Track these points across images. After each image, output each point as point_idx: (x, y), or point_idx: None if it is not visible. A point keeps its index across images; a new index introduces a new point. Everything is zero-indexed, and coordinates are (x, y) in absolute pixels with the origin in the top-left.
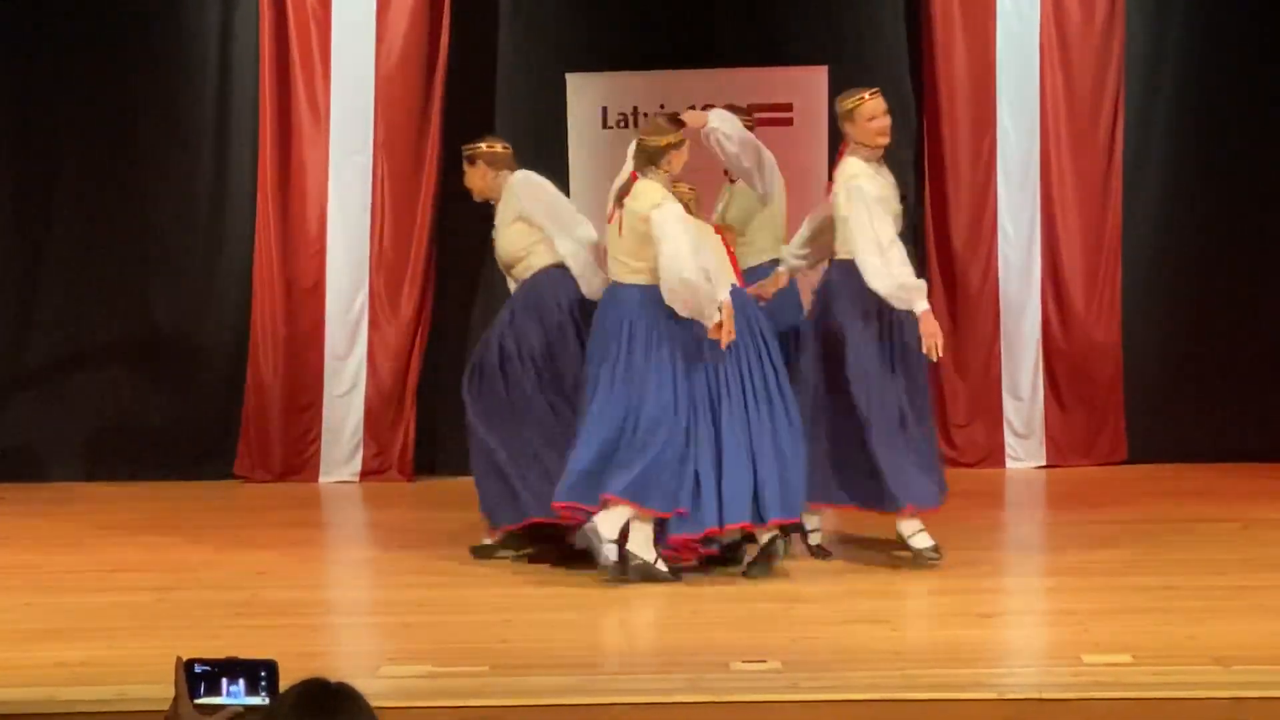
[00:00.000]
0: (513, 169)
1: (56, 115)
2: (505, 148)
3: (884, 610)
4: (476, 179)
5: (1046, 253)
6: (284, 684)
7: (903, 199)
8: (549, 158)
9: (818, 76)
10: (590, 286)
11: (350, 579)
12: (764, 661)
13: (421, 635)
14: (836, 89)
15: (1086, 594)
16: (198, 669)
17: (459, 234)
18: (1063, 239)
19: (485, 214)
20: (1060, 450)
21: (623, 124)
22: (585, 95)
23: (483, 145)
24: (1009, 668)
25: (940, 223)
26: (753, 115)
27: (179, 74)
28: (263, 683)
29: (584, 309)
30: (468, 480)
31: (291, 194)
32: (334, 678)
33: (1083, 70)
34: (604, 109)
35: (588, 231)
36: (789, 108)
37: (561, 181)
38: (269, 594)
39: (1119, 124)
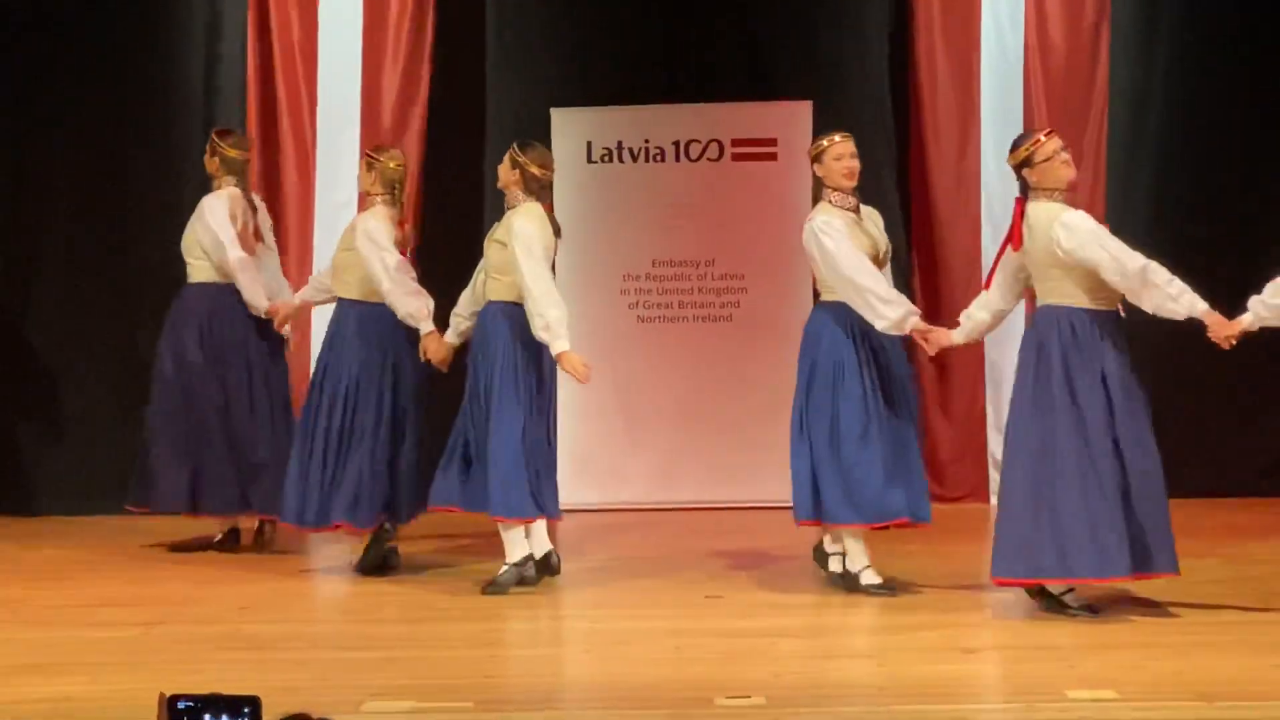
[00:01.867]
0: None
1: (50, 152)
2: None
3: (868, 645)
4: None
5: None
6: (267, 719)
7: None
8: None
9: (802, 111)
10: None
11: (333, 613)
12: (748, 697)
13: (405, 670)
14: (821, 124)
15: (1070, 629)
16: (180, 705)
17: (441, 267)
18: None
19: (464, 248)
20: None
21: (607, 159)
22: (570, 130)
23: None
24: (993, 703)
25: (925, 255)
26: None
27: (166, 114)
28: (246, 718)
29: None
30: (449, 514)
31: (277, 231)
32: (317, 713)
33: (1068, 103)
34: (589, 144)
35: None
36: (773, 143)
37: None
38: (252, 628)
39: (1102, 156)
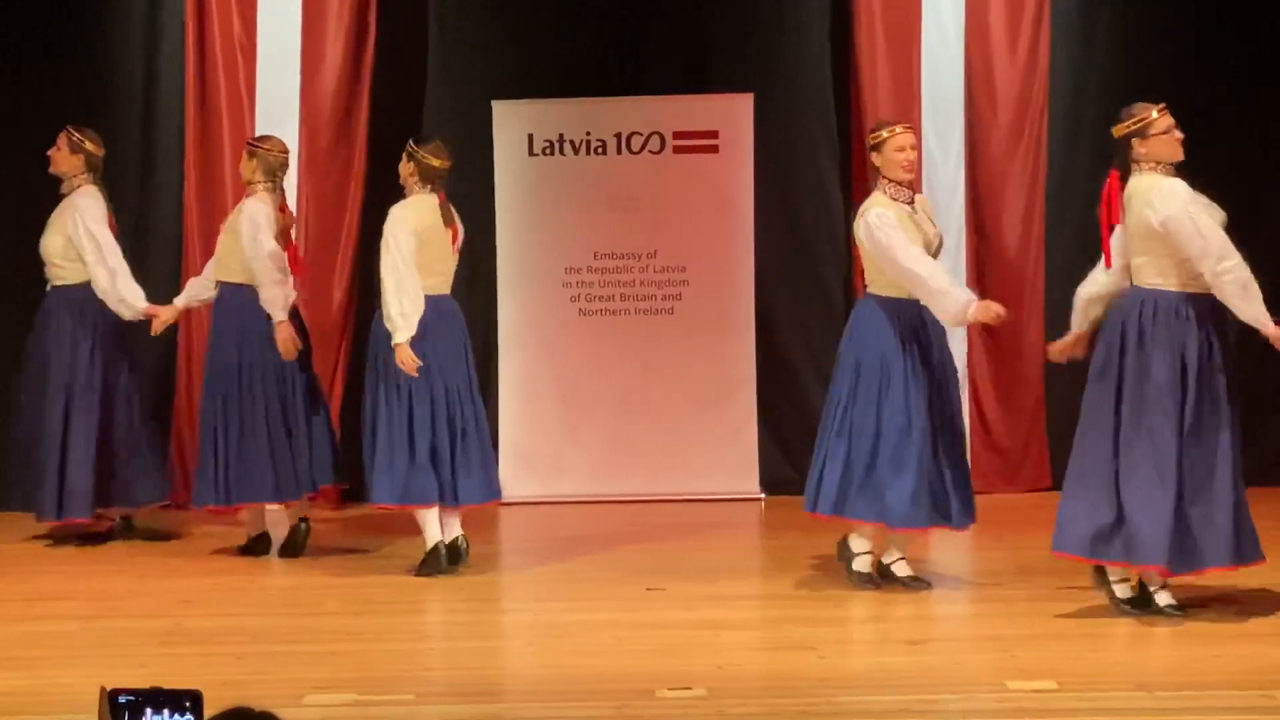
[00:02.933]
0: None
1: None
2: None
3: (810, 637)
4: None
5: (972, 280)
6: (208, 714)
7: (931, 232)
8: (475, 184)
9: (743, 103)
10: None
11: (274, 607)
12: (689, 689)
13: (346, 664)
14: (762, 116)
15: (1012, 620)
16: (122, 699)
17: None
18: (989, 263)
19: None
20: (985, 478)
21: (549, 151)
22: (511, 123)
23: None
24: (935, 694)
25: None
26: None
27: (103, 108)
28: (188, 712)
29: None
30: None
31: (217, 224)
32: (259, 707)
33: (1007, 96)
34: (530, 136)
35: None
36: (714, 135)
37: (488, 208)
38: (193, 623)
39: (1043, 149)
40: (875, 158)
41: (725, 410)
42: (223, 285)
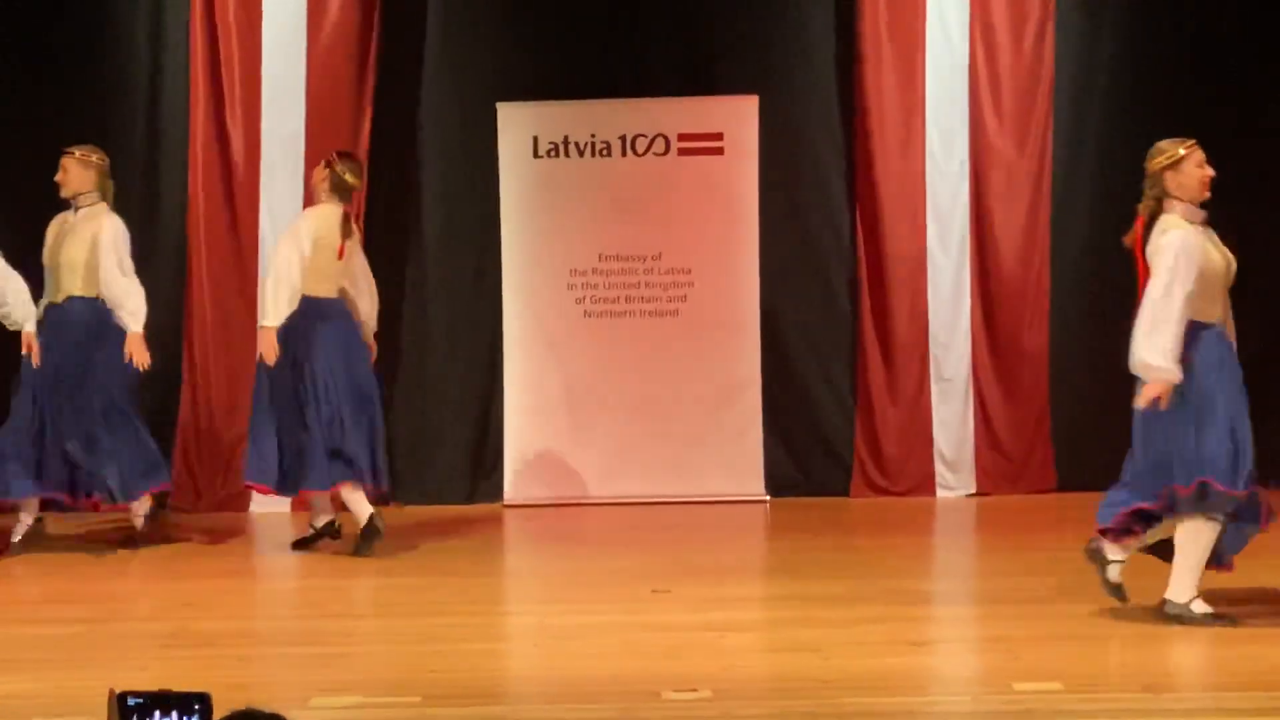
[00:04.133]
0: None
1: None
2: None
3: (815, 639)
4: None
5: (976, 281)
6: (216, 716)
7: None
8: (480, 187)
9: (748, 105)
10: None
11: (280, 610)
12: (695, 691)
13: (351, 666)
14: (767, 118)
15: (1017, 621)
16: (130, 701)
17: (385, 261)
18: (992, 267)
19: (409, 242)
20: (990, 479)
21: (554, 153)
22: (516, 125)
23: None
24: (940, 696)
25: (871, 250)
26: None
27: (107, 113)
28: (196, 715)
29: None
30: (396, 509)
31: (223, 228)
32: (266, 709)
33: (1012, 96)
34: (535, 138)
35: None
36: (719, 137)
37: (493, 210)
38: (198, 625)
39: (1048, 150)
40: (1170, 176)
41: (730, 412)
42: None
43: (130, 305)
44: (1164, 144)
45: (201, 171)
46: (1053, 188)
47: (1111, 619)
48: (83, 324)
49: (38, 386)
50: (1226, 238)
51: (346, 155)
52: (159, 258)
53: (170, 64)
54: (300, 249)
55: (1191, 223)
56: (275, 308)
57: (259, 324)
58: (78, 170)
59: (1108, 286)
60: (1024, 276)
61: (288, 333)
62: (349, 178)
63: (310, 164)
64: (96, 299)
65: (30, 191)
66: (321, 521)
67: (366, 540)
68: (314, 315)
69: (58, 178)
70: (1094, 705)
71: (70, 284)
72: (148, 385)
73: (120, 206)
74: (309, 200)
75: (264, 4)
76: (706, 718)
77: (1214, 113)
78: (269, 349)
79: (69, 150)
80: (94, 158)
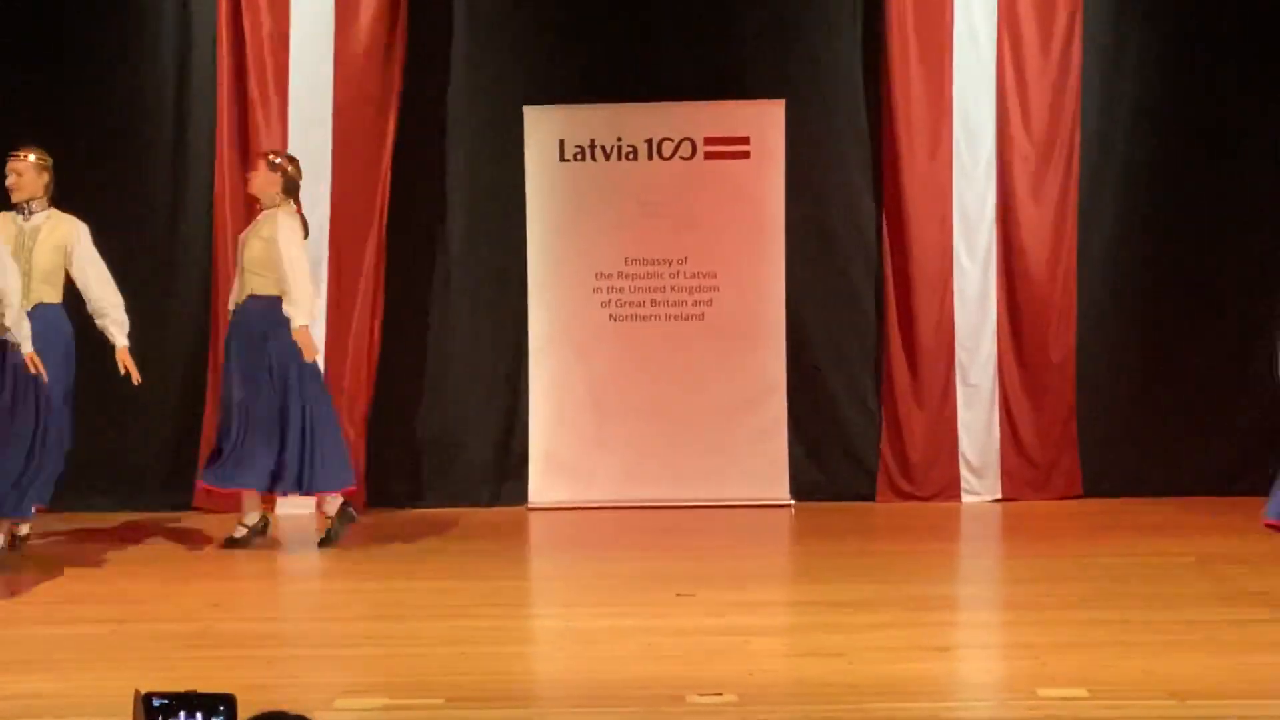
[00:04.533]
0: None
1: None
2: None
3: (839, 644)
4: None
5: (1003, 286)
6: (241, 718)
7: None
8: (506, 191)
9: (775, 110)
10: None
11: (305, 611)
12: (719, 695)
13: (376, 668)
14: (793, 122)
15: (1042, 628)
16: (156, 703)
17: (411, 264)
18: (1019, 272)
19: (434, 245)
20: (1015, 484)
21: (580, 157)
22: (542, 128)
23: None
24: (964, 701)
25: (897, 256)
26: None
27: (135, 115)
28: (221, 716)
29: None
30: (422, 512)
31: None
32: (291, 711)
33: (1040, 100)
34: (561, 142)
35: None
36: (745, 141)
37: (519, 213)
38: (223, 626)
39: (1075, 154)
40: None
41: (755, 416)
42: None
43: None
44: None
45: (228, 177)
46: (1080, 193)
47: (1137, 626)
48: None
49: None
50: (1248, 244)
51: (289, 155)
52: (185, 263)
53: (197, 72)
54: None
55: None
56: (313, 307)
57: (297, 324)
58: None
59: (1134, 292)
60: (1050, 282)
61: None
62: (295, 172)
63: (338, 170)
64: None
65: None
66: (254, 519)
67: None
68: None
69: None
70: (1119, 712)
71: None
72: (175, 388)
73: (146, 212)
74: (334, 203)
75: (292, 13)
76: None
77: (1243, 127)
78: (311, 348)
79: None
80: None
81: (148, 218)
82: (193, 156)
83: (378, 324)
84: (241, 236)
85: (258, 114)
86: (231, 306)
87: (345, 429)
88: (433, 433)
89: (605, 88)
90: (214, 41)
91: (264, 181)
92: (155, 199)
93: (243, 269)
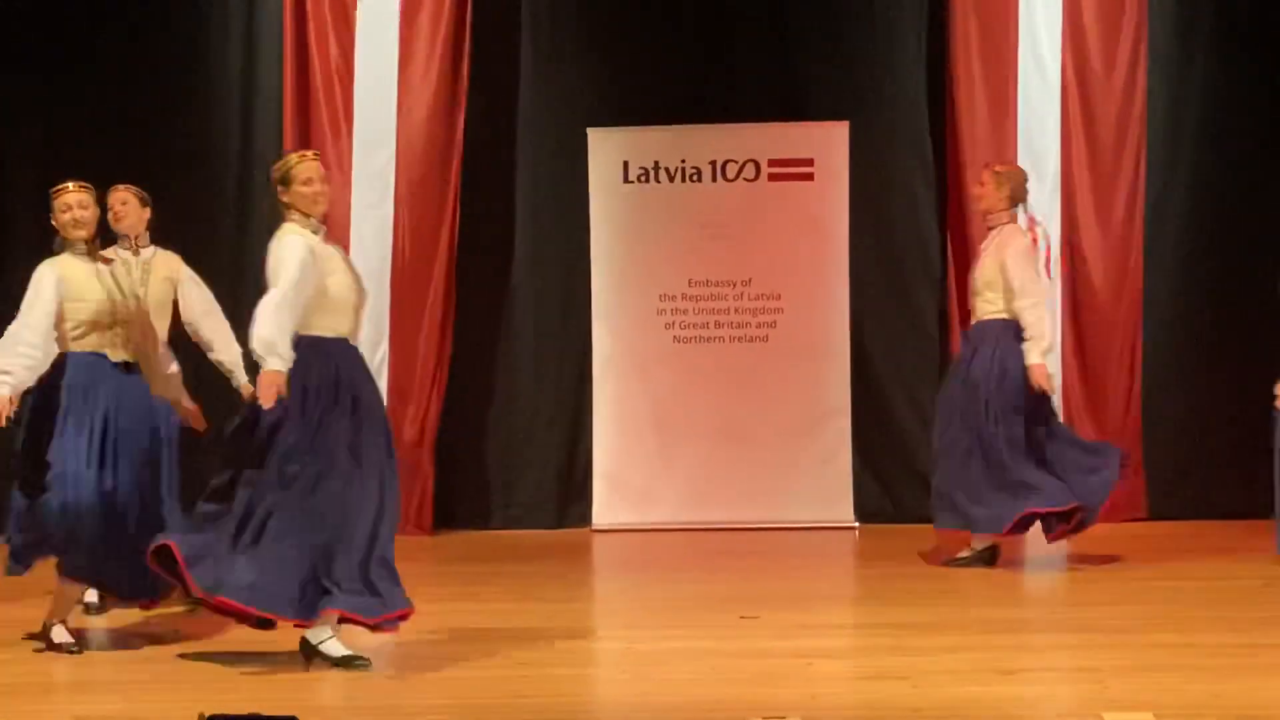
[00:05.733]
0: None
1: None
2: None
3: (903, 666)
4: None
5: (1067, 308)
6: None
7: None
8: (570, 212)
9: (839, 131)
10: None
11: (364, 634)
12: (784, 718)
13: (440, 690)
14: (857, 144)
15: (1107, 651)
16: None
17: (476, 286)
18: (1084, 294)
19: (499, 267)
20: None
21: (644, 179)
22: (606, 150)
23: None
24: None
25: (963, 275)
26: None
27: (202, 127)
28: None
29: None
30: (487, 533)
31: None
32: None
33: (1105, 122)
34: (625, 164)
35: None
36: (810, 163)
37: (583, 235)
38: (288, 647)
39: (1141, 174)
40: None
41: (819, 438)
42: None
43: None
44: None
45: None
46: (1145, 215)
47: (1203, 650)
48: None
49: None
50: None
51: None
52: (251, 282)
53: (263, 98)
54: None
55: None
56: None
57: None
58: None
59: (1201, 311)
60: (1115, 302)
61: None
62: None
63: (400, 193)
64: None
65: None
66: None
67: None
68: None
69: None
70: None
71: None
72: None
73: (211, 235)
74: (399, 225)
75: (357, 29)
76: None
77: None
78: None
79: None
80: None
81: (214, 247)
82: (258, 185)
83: (446, 345)
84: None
85: (328, 139)
86: None
87: (414, 453)
88: (498, 455)
89: (669, 110)
90: (279, 69)
91: None
92: (219, 227)
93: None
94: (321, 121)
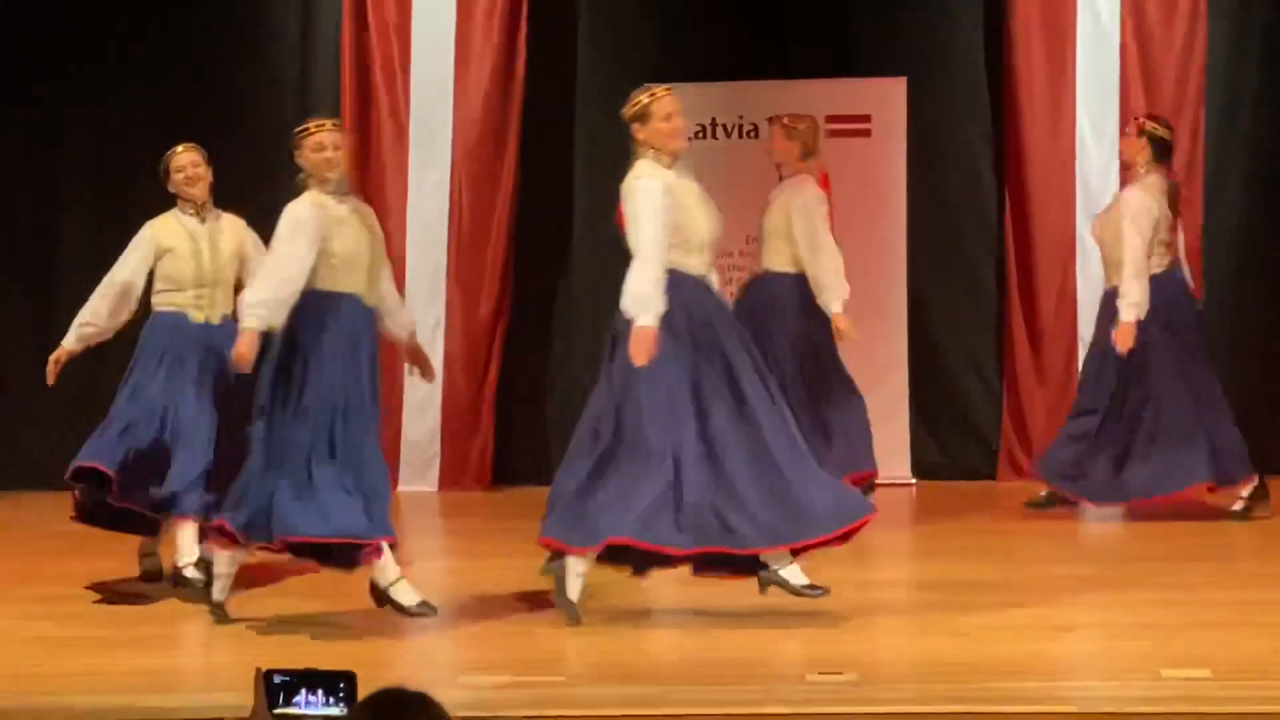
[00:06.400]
0: None
1: (134, 137)
2: None
3: (960, 623)
4: None
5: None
6: (361, 694)
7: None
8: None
9: (896, 88)
10: None
11: (427, 588)
12: (840, 673)
13: (499, 645)
14: (915, 100)
15: (1164, 608)
16: (277, 679)
17: (535, 244)
18: None
19: (558, 224)
20: None
21: (700, 135)
22: None
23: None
24: (1086, 681)
25: (1019, 234)
26: None
27: (258, 88)
28: (341, 693)
29: None
30: (544, 490)
31: (370, 206)
32: (411, 687)
33: (1164, 79)
34: None
35: None
36: (867, 119)
37: None
38: (346, 603)
39: (1200, 133)
40: None
41: (876, 395)
42: None
43: None
44: None
45: (350, 184)
46: (1204, 171)
47: (1260, 606)
48: None
49: None
50: None
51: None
52: None
53: (319, 51)
54: None
55: None
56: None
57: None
58: None
59: (1260, 270)
60: None
61: None
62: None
63: (458, 152)
64: None
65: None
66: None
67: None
68: None
69: None
70: (1243, 693)
71: None
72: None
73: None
74: (455, 189)
75: (414, 38)
76: (851, 700)
77: None
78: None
79: None
80: None
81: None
82: None
83: (505, 303)
84: None
85: (383, 98)
86: None
87: (476, 409)
88: (558, 413)
89: (726, 66)
90: (337, 23)
91: None
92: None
93: None
94: (380, 80)
